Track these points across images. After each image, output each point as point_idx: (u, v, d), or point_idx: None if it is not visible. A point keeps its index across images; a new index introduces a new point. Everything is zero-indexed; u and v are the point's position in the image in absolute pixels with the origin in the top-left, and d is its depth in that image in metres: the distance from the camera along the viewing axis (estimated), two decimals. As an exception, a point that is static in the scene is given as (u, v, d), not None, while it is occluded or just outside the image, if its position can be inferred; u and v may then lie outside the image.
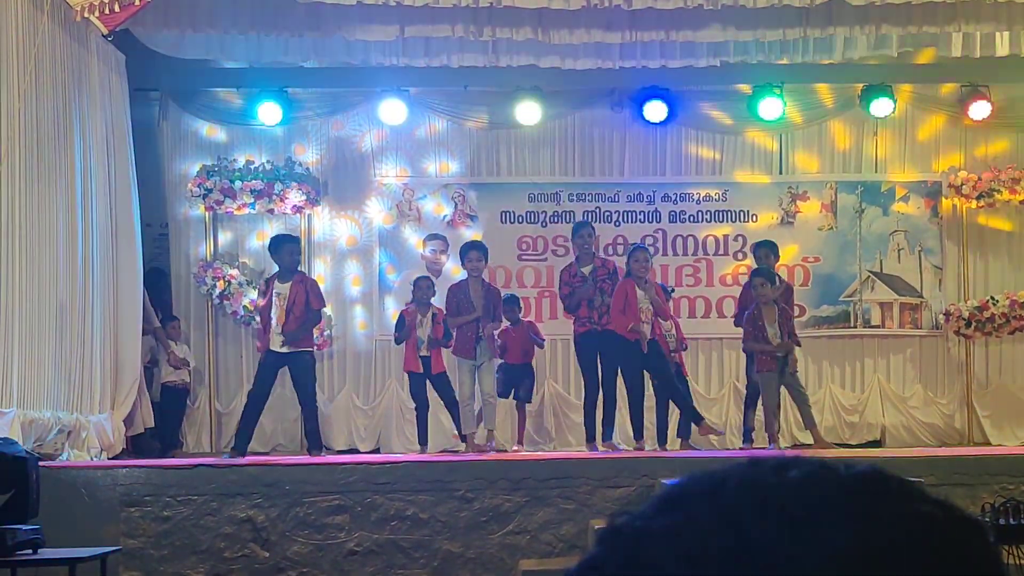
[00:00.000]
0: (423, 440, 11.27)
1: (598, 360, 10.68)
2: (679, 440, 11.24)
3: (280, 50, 12.27)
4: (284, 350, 10.29)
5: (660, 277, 12.28)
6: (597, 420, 10.70)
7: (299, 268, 10.93)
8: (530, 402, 12.14)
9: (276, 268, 10.75)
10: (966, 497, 8.05)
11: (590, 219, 12.92)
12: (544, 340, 12.09)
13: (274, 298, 10.36)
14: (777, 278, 11.00)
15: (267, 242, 11.22)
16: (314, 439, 10.62)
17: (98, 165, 10.84)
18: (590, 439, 10.77)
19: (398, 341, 11.35)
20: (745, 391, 11.67)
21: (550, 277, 13.15)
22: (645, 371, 10.56)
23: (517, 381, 11.69)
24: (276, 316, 10.32)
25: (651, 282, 10.71)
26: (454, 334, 10.87)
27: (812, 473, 0.89)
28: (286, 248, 10.60)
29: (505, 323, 11.52)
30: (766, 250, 11.51)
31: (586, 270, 10.79)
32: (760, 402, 10.78)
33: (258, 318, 10.70)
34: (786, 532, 0.85)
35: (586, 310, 10.65)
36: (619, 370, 10.53)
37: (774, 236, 12.38)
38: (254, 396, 10.58)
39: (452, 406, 11.02)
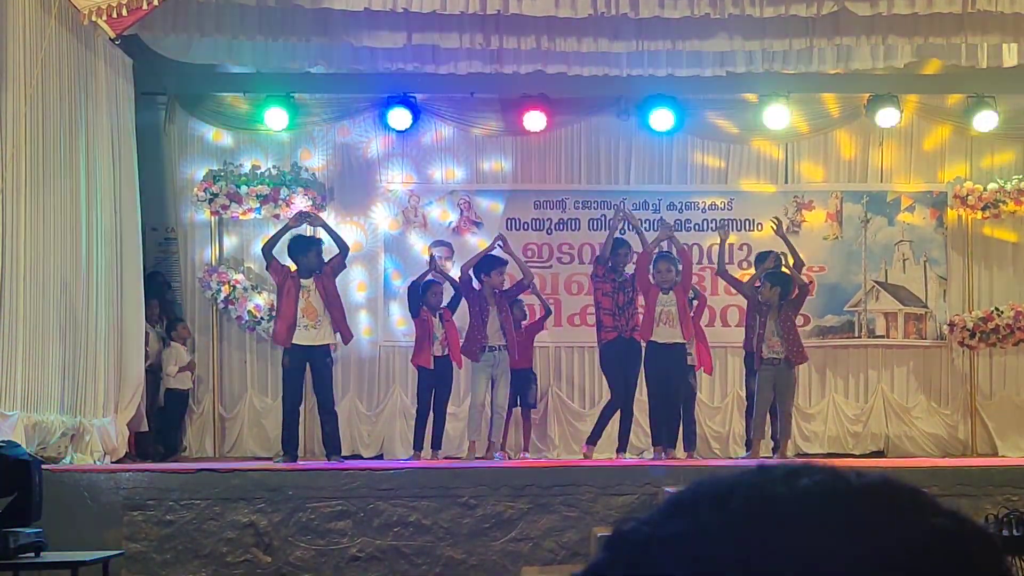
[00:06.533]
0: (418, 445, 11.23)
1: (622, 368, 10.89)
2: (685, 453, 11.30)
3: (287, 55, 12.29)
4: (307, 343, 10.33)
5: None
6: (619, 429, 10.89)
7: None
8: (535, 408, 12.13)
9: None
10: (969, 508, 8.02)
11: (595, 227, 12.96)
12: (550, 311, 12.30)
13: (299, 292, 10.34)
14: (783, 284, 10.99)
15: (286, 243, 10.76)
16: (333, 443, 10.56)
17: (103, 169, 10.84)
18: (592, 441, 10.89)
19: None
20: (746, 400, 11.67)
21: (555, 284, 13.15)
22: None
23: (522, 388, 11.67)
24: (302, 309, 10.34)
25: (676, 290, 10.77)
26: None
27: (823, 482, 0.88)
28: (312, 252, 10.53)
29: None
30: (771, 257, 11.59)
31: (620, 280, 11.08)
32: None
33: (278, 323, 10.60)
34: (795, 542, 0.84)
35: (611, 320, 10.77)
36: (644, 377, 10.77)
37: (779, 246, 12.34)
38: (289, 398, 10.58)
39: (440, 413, 11.13)
